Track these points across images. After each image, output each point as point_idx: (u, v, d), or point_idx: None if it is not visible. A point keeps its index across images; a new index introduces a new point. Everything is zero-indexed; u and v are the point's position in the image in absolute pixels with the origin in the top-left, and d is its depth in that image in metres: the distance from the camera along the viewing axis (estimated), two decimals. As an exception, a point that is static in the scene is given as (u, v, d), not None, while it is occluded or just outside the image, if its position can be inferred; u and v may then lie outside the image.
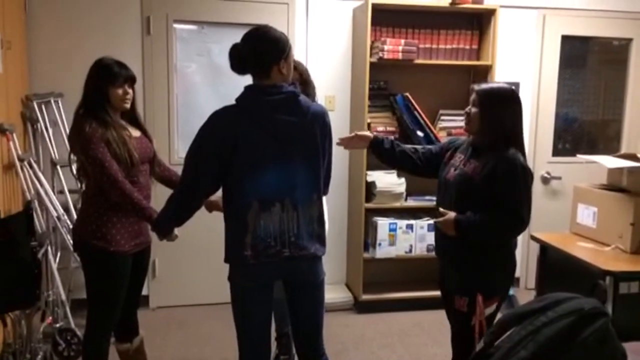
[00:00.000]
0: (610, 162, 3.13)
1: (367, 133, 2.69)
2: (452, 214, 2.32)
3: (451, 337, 2.52)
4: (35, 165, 3.46)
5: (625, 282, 2.68)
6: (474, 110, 2.37)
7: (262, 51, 2.08)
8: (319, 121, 2.17)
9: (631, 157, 3.09)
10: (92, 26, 3.91)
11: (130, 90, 2.48)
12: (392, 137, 2.81)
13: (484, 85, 2.42)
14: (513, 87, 2.42)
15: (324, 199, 2.29)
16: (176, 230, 2.41)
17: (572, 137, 4.91)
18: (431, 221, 2.62)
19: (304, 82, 2.78)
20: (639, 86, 4.83)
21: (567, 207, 3.48)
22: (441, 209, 2.38)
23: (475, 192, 2.30)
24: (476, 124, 2.36)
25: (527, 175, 2.29)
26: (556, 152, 4.78)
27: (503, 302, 2.41)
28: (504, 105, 2.34)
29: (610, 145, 4.91)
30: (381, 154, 2.63)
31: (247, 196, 2.08)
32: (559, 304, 1.65)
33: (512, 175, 2.25)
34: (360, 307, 4.20)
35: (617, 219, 3.01)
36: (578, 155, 3.87)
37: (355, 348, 3.62)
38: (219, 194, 2.21)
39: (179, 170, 2.36)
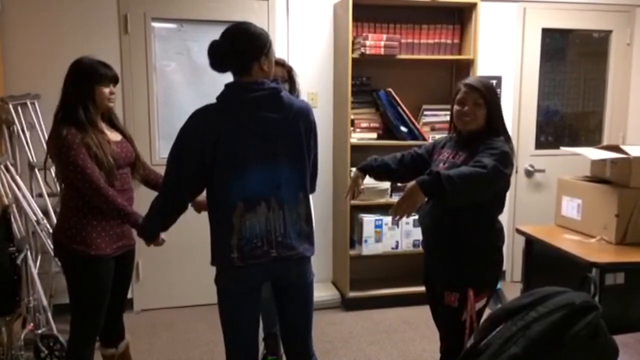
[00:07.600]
0: (594, 153, 3.13)
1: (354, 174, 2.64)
2: (410, 183, 2.12)
3: (440, 334, 2.50)
4: (12, 169, 3.38)
5: (611, 273, 2.68)
6: (477, 108, 2.32)
7: (242, 48, 2.03)
8: (303, 118, 2.12)
9: (614, 148, 3.09)
10: (68, 26, 3.83)
11: (115, 90, 2.44)
12: (374, 156, 2.67)
13: (479, 80, 2.39)
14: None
15: (311, 197, 2.24)
16: (163, 235, 2.33)
17: (553, 130, 4.94)
18: (416, 217, 2.56)
19: (291, 79, 2.79)
20: (619, 78, 4.87)
21: (552, 199, 3.48)
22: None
23: None
24: (481, 121, 2.34)
25: (506, 158, 2.20)
26: (539, 144, 4.81)
27: (492, 295, 2.41)
28: (498, 97, 2.43)
29: (592, 137, 4.95)
30: (377, 173, 2.62)
31: (231, 196, 2.03)
32: (549, 298, 1.64)
33: (491, 149, 2.20)
34: (347, 304, 4.18)
35: (602, 211, 3.01)
36: (562, 148, 3.88)
37: (343, 346, 3.60)
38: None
39: (161, 170, 2.30)
